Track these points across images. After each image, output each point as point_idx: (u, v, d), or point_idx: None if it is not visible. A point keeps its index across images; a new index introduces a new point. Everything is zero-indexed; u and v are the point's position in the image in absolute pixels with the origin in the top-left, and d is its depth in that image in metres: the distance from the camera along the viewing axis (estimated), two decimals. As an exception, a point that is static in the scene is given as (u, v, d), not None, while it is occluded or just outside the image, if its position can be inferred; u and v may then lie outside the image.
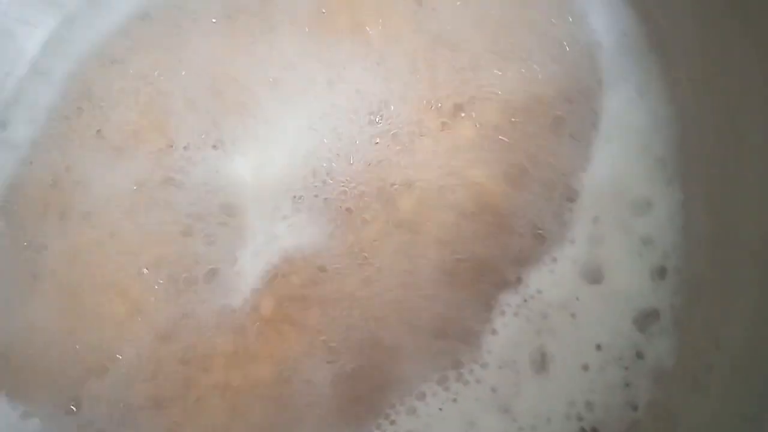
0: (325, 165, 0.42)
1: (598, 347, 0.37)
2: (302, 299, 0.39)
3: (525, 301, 0.38)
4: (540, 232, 0.39)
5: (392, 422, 0.37)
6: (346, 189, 0.41)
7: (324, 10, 0.45)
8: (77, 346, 0.40)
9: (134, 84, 0.46)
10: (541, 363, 0.37)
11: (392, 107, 0.43)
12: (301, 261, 0.40)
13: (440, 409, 0.37)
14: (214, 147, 0.43)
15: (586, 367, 0.37)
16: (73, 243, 0.43)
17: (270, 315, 0.39)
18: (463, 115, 0.42)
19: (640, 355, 0.36)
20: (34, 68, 0.49)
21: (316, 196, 0.41)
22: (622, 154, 0.41)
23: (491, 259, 0.39)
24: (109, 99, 0.46)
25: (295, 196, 0.42)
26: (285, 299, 0.39)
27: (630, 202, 0.40)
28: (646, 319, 0.37)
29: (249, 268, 0.40)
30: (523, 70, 0.42)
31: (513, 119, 0.41)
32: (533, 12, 0.44)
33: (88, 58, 0.48)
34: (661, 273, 0.38)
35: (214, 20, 0.46)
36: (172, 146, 0.44)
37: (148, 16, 0.47)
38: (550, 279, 0.38)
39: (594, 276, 0.38)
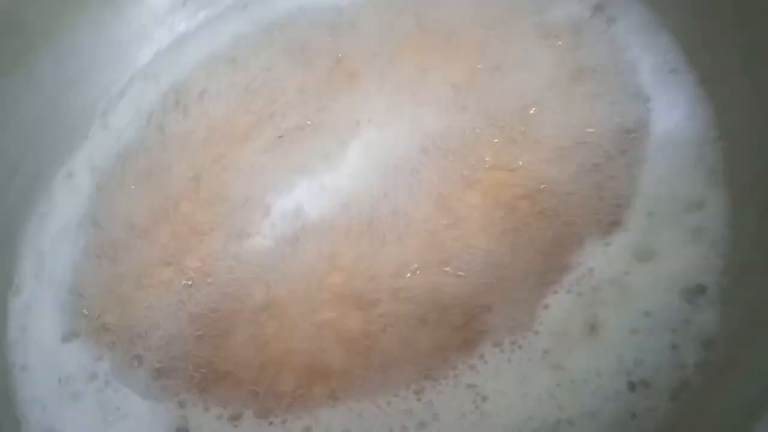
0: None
1: (647, 314, 0.39)
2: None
3: (577, 279, 0.42)
4: (596, 221, 0.44)
5: (455, 376, 0.41)
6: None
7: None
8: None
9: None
10: (592, 329, 0.40)
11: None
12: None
13: (497, 366, 0.40)
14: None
15: (635, 331, 0.39)
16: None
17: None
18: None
19: (687, 322, 0.39)
20: (143, 73, 0.61)
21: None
22: (675, 162, 0.45)
23: (549, 246, 0.43)
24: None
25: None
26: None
27: (683, 201, 0.44)
28: (693, 293, 0.40)
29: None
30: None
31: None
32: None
33: (193, 70, 0.59)
34: (708, 257, 0.41)
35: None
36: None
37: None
38: (603, 259, 0.42)
39: (645, 256, 0.42)
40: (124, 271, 0.51)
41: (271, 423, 0.43)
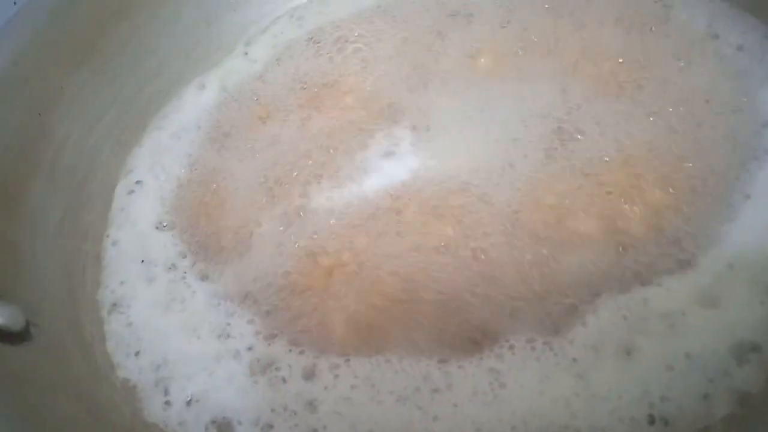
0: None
1: (688, 356, 0.39)
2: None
3: (627, 304, 0.42)
4: (670, 256, 0.43)
5: (481, 358, 0.42)
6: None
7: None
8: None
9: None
10: (627, 353, 0.40)
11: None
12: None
13: (523, 360, 0.41)
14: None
15: (670, 368, 0.39)
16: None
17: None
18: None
19: (727, 374, 0.38)
20: (291, 12, 0.65)
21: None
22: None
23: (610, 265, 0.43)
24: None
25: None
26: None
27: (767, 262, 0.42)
28: (745, 349, 0.38)
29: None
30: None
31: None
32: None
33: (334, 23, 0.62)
34: (775, 319, 0.39)
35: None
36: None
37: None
38: (663, 294, 0.42)
39: (709, 302, 0.41)
40: (226, 186, 0.55)
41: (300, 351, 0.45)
